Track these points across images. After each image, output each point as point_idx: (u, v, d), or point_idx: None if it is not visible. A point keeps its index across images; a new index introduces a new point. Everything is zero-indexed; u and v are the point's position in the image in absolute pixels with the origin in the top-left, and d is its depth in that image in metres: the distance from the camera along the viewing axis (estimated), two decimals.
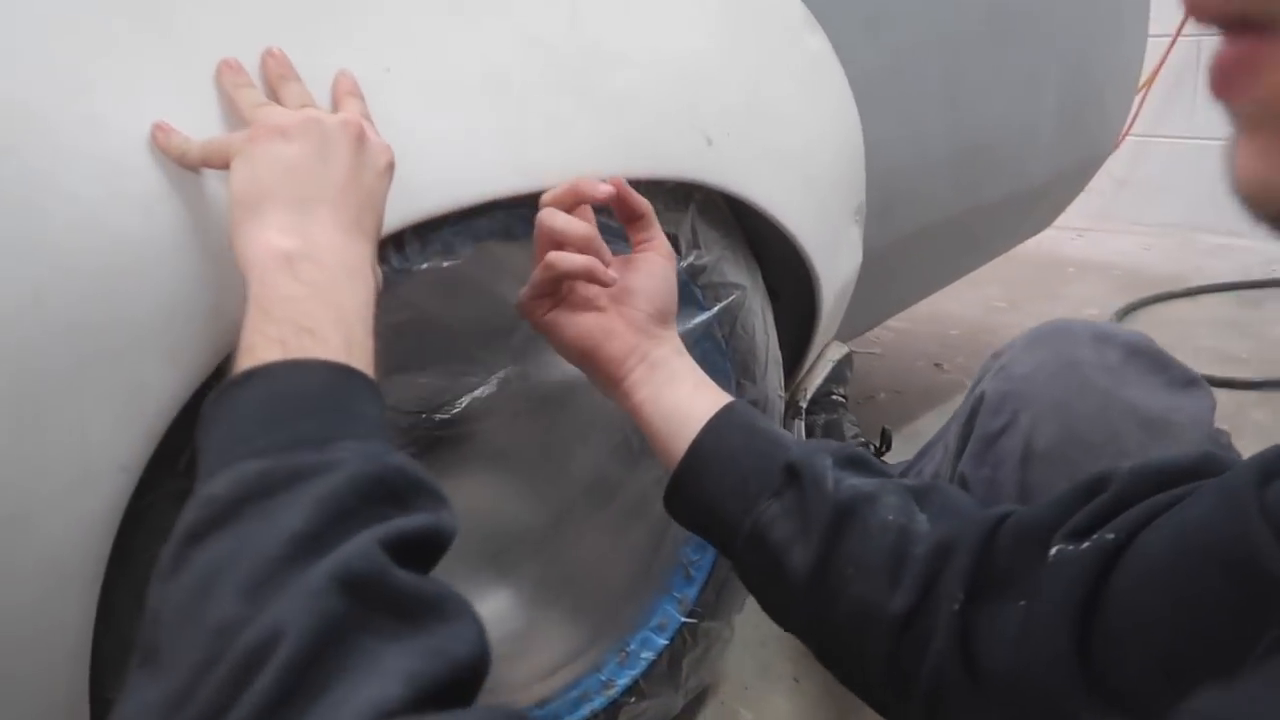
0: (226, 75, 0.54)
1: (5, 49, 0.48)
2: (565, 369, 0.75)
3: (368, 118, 0.56)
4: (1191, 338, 2.06)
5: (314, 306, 0.46)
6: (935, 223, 1.23)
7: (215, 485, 0.39)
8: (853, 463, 0.60)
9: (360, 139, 0.53)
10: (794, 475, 0.59)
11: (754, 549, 0.59)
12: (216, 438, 0.42)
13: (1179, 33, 2.60)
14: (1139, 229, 2.92)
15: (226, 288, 0.53)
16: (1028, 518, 0.52)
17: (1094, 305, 2.28)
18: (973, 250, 1.50)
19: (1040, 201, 1.51)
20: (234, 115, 0.54)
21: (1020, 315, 2.26)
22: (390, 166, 0.55)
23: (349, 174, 0.51)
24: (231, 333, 0.49)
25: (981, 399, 0.72)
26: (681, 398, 0.64)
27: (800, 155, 0.87)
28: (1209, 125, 2.68)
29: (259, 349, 0.44)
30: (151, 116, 0.52)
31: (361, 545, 0.36)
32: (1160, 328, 2.13)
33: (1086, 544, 0.46)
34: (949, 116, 1.16)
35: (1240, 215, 0.28)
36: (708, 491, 0.62)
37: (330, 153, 0.51)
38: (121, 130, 0.51)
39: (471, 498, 0.78)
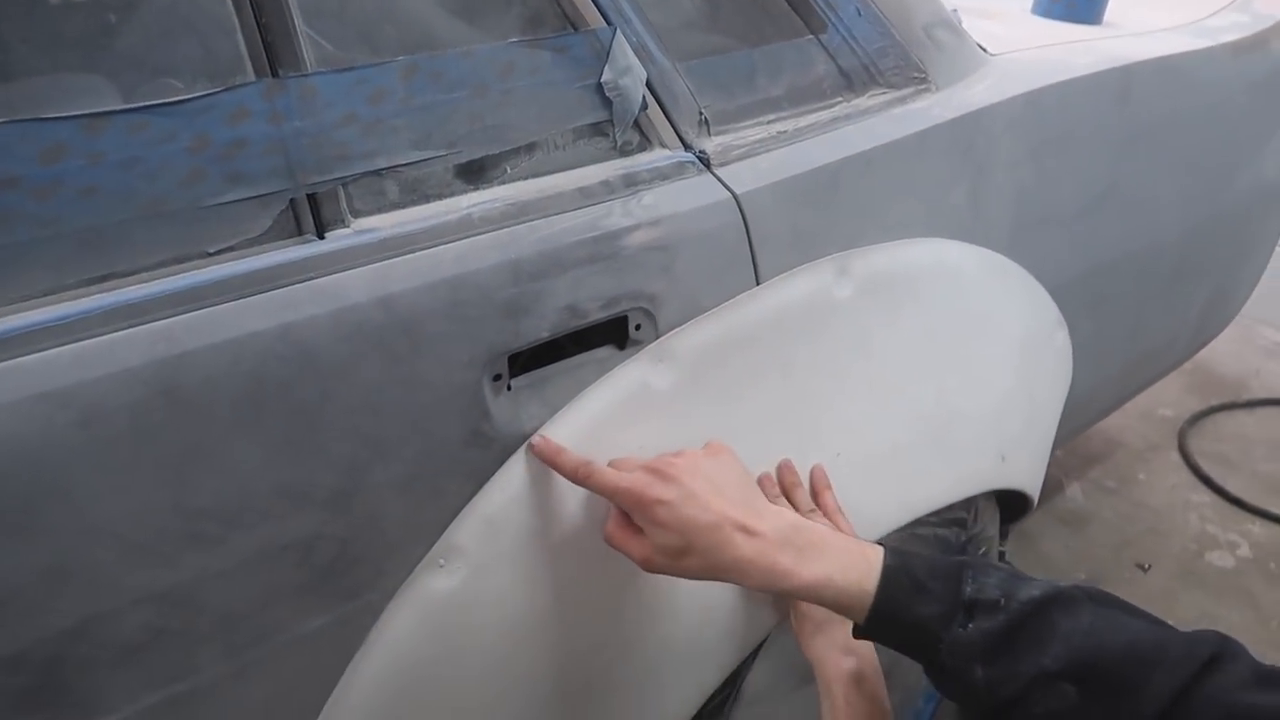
0: (786, 474, 0.84)
1: None
2: None
3: (839, 507, 0.86)
4: (1251, 458, 2.35)
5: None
6: (1094, 418, 1.53)
7: None
8: None
9: None
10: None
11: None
12: None
13: None
14: None
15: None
16: None
17: (1168, 406, 2.57)
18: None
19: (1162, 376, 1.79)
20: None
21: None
22: None
23: None
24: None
25: None
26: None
27: (1044, 432, 1.17)
28: None
29: None
30: None
31: None
32: (1223, 442, 2.42)
33: None
34: (1127, 347, 1.44)
35: None
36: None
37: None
38: None
39: None
